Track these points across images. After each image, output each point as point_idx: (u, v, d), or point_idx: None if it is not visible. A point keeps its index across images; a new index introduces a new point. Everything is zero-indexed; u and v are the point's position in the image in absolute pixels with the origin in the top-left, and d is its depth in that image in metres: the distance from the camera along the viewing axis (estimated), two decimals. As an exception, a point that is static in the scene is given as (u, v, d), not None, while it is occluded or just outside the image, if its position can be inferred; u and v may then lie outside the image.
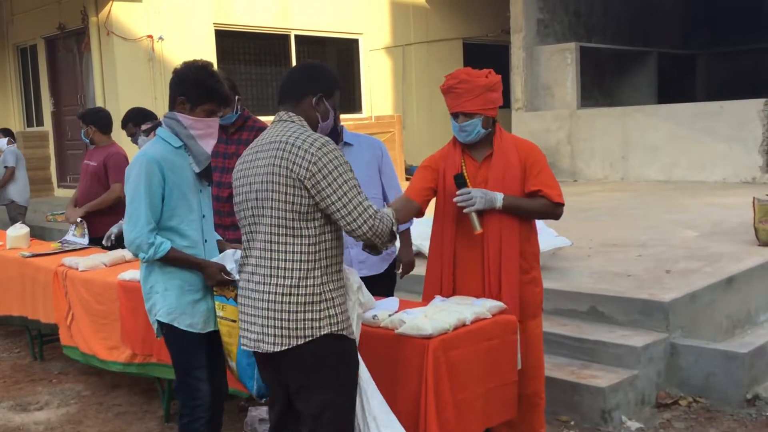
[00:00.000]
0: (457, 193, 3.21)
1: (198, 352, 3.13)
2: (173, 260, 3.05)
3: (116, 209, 5.47)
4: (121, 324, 4.41)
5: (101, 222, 5.53)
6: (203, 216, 3.19)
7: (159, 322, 3.11)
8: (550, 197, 3.25)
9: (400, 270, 4.02)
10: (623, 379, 3.98)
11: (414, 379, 2.86)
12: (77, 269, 4.80)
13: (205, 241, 3.18)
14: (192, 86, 3.04)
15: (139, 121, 5.27)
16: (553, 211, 3.31)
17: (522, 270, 3.29)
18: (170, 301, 3.07)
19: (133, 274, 4.38)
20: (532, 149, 3.36)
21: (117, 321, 4.45)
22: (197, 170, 3.13)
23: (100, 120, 5.84)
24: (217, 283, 3.05)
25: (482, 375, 3.00)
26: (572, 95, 11.95)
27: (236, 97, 4.44)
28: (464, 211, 3.19)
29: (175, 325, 3.07)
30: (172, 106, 3.10)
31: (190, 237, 3.11)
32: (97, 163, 5.71)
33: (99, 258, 4.94)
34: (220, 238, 3.46)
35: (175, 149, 3.08)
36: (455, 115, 3.27)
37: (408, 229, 4.01)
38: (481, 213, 3.21)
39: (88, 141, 5.88)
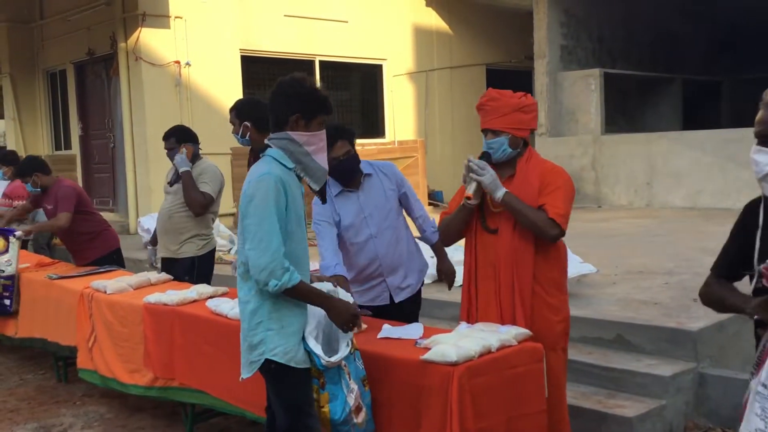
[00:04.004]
0: (477, 157, 3.24)
1: (309, 388, 2.95)
2: (299, 293, 2.82)
3: (98, 235, 6.05)
4: (145, 346, 4.43)
5: (89, 248, 6.02)
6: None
7: (267, 361, 2.85)
8: (548, 213, 3.17)
9: (446, 280, 4.06)
10: (651, 409, 3.91)
11: (438, 406, 2.84)
12: (104, 292, 4.83)
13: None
14: (305, 101, 2.88)
15: (183, 138, 5.29)
16: (548, 227, 3.16)
17: (537, 296, 3.23)
18: (288, 340, 2.85)
19: (158, 296, 4.41)
20: (553, 172, 3.30)
21: (139, 344, 4.48)
22: (316, 188, 2.97)
23: (40, 165, 6.09)
24: (347, 325, 2.89)
25: (507, 403, 2.97)
26: (596, 121, 11.92)
27: (244, 122, 4.49)
28: (470, 175, 3.21)
29: (292, 365, 2.85)
30: (280, 126, 2.90)
31: (303, 265, 2.91)
32: (53, 205, 5.96)
33: (126, 281, 4.98)
34: None
35: (288, 170, 2.89)
36: (484, 132, 3.30)
37: (440, 241, 3.92)
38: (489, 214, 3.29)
39: (39, 190, 6.04)
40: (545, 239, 3.21)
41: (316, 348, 2.86)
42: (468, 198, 3.23)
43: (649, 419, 3.88)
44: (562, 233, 3.21)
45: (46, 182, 6.01)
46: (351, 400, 2.90)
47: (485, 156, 3.25)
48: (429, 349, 2.96)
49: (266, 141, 2.94)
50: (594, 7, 12.75)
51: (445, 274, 4.04)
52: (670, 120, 13.53)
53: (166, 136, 5.38)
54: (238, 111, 4.53)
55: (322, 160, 2.94)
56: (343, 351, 2.92)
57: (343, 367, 2.93)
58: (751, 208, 2.40)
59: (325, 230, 3.80)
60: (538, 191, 3.23)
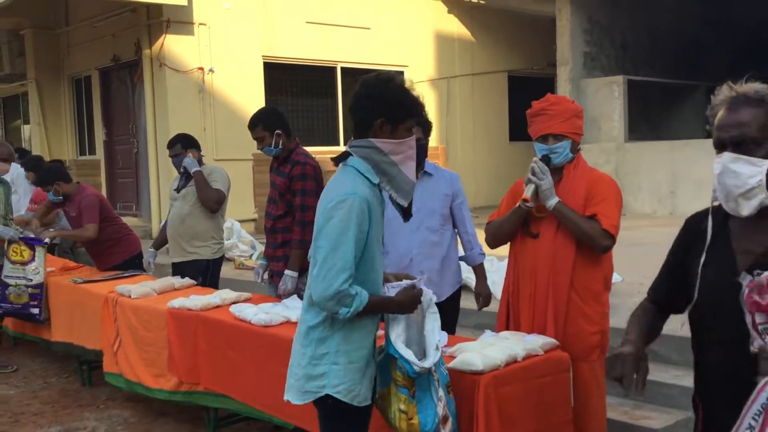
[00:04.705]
0: (539, 162, 3.20)
1: (366, 427, 2.74)
2: (371, 309, 2.58)
3: (119, 241, 6.13)
4: (169, 351, 4.44)
5: (111, 254, 6.09)
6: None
7: (326, 395, 2.60)
8: (601, 223, 3.13)
9: (480, 303, 4.10)
10: (677, 421, 3.87)
11: (464, 415, 2.82)
12: (129, 296, 4.86)
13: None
14: (391, 103, 2.58)
15: (188, 144, 5.51)
16: (600, 237, 3.12)
17: (573, 304, 3.19)
18: (352, 377, 2.60)
19: (182, 301, 4.43)
20: (601, 181, 3.28)
21: (164, 348, 4.49)
22: (403, 203, 2.66)
23: (62, 173, 6.11)
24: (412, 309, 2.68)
25: (534, 413, 2.94)
26: (619, 128, 11.83)
27: (275, 131, 4.52)
28: (530, 177, 3.19)
29: (354, 403, 2.61)
30: (363, 132, 2.61)
31: (376, 285, 2.67)
32: (76, 213, 6.00)
33: (150, 285, 5.01)
34: None
35: (372, 186, 2.59)
36: (544, 138, 3.25)
37: (482, 263, 4.07)
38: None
39: (61, 198, 6.05)
40: (597, 249, 3.16)
41: (407, 353, 2.60)
42: (525, 200, 3.19)
43: (675, 431, 3.83)
44: (613, 244, 3.19)
45: (68, 190, 6.04)
46: (440, 410, 2.65)
47: (545, 160, 3.23)
48: (454, 357, 2.95)
49: (347, 148, 2.66)
50: (617, 14, 12.67)
51: (483, 296, 4.08)
52: (694, 127, 13.38)
53: (171, 143, 5.53)
54: (266, 123, 4.54)
55: (410, 171, 2.65)
56: (434, 354, 2.64)
57: (432, 373, 2.67)
58: (696, 223, 2.10)
59: None
60: (584, 199, 3.21)
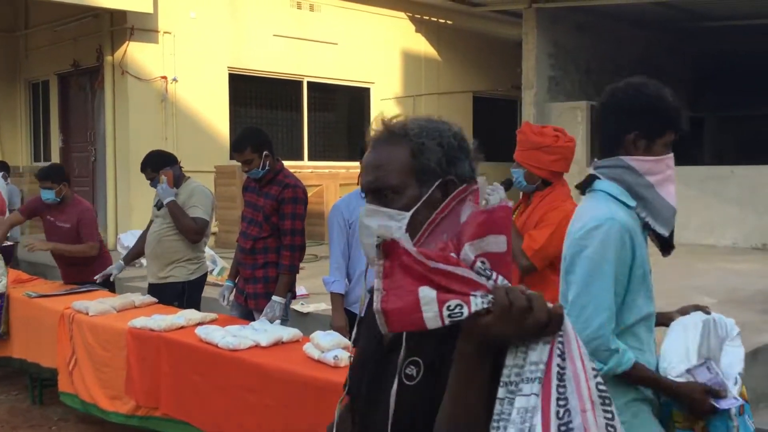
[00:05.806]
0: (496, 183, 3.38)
1: None
2: (635, 380, 2.08)
3: (95, 258, 5.72)
4: (128, 373, 4.27)
5: (85, 271, 5.66)
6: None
7: None
8: (522, 243, 3.28)
9: None
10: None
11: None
12: (86, 313, 4.67)
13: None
14: (646, 113, 2.16)
15: (158, 165, 5.04)
16: (518, 255, 3.26)
17: None
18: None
19: (144, 321, 4.26)
20: (555, 210, 3.33)
21: (121, 369, 4.32)
22: (664, 233, 2.20)
23: (67, 176, 5.75)
24: (701, 410, 2.08)
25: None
26: (582, 153, 11.92)
27: (264, 152, 4.39)
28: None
29: None
30: (612, 150, 2.21)
31: (641, 338, 2.15)
32: (70, 225, 5.63)
33: (109, 302, 4.82)
34: None
35: (629, 210, 2.16)
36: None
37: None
38: None
39: (58, 200, 5.65)
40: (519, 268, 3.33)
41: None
42: None
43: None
44: (533, 267, 3.29)
45: (68, 195, 5.72)
46: None
47: (506, 182, 3.39)
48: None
49: (593, 170, 2.26)
50: (582, 40, 12.86)
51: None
52: (654, 154, 13.63)
53: (142, 167, 5.12)
54: (254, 145, 4.35)
55: (669, 194, 2.20)
56: (733, 396, 2.11)
57: (731, 418, 2.10)
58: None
59: (336, 236, 3.97)
60: (535, 226, 3.35)
